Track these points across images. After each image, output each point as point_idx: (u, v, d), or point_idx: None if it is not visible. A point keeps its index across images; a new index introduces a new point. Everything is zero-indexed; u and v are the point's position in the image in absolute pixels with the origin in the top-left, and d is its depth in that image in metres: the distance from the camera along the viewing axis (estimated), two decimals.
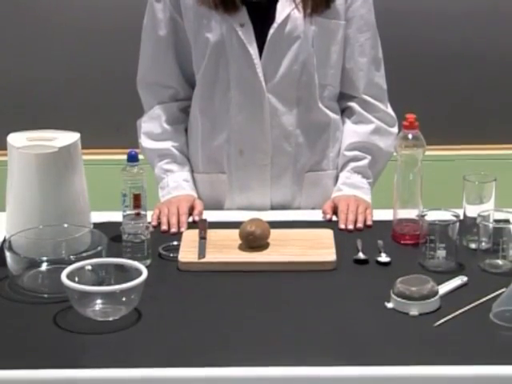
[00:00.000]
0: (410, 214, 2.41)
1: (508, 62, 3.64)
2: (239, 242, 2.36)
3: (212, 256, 2.32)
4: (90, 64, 3.65)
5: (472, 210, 2.37)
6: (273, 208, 2.69)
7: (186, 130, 2.74)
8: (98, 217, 2.47)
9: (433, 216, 2.29)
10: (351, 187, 2.67)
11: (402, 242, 2.41)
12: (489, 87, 3.69)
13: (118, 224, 2.35)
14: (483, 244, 2.32)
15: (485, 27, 3.63)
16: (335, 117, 2.70)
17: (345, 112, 2.74)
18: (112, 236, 2.33)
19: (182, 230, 2.50)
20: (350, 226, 2.51)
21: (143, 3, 2.67)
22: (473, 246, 2.36)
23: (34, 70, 3.66)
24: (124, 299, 2.04)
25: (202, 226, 2.48)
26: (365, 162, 2.70)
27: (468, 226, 2.37)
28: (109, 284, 2.09)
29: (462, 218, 2.34)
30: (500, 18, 3.62)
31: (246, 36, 2.56)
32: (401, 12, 3.56)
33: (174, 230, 2.51)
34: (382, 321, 2.06)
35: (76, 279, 2.07)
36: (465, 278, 2.20)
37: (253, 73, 2.58)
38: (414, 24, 3.60)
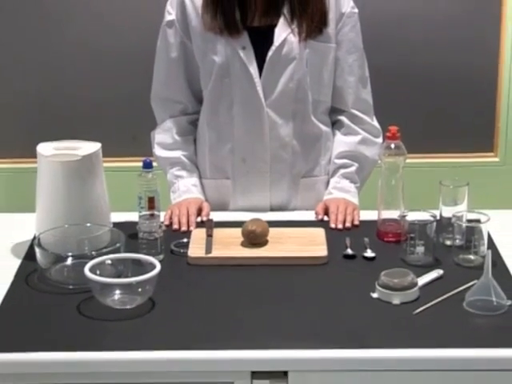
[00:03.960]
0: (393, 214, 2.40)
1: (475, 81, 3.65)
2: (242, 239, 2.36)
3: (218, 252, 2.32)
4: (110, 83, 3.65)
5: (447, 211, 2.37)
6: (271, 209, 2.69)
7: (195, 141, 2.74)
8: (117, 217, 2.46)
9: (413, 216, 2.29)
10: (341, 191, 2.67)
11: (386, 239, 2.41)
12: (461, 104, 3.69)
13: (134, 223, 2.35)
14: (457, 241, 2.31)
15: (458, 49, 3.63)
16: (326, 129, 2.70)
17: (335, 124, 2.73)
18: (129, 234, 2.32)
19: (191, 228, 2.50)
20: (340, 226, 2.51)
21: (156, 28, 2.67)
22: (448, 242, 2.36)
23: (61, 88, 3.66)
24: (140, 290, 2.04)
25: (208, 225, 2.48)
26: (353, 169, 2.69)
27: (444, 225, 2.36)
28: (126, 276, 2.09)
29: (438, 218, 2.33)
30: (472, 39, 3.62)
31: (248, 57, 2.56)
32: (386, 37, 3.56)
33: (184, 228, 2.50)
34: (367, 309, 2.06)
35: (97, 272, 2.07)
36: (441, 272, 2.20)
37: (253, 90, 2.58)
38: (398, 49, 3.60)
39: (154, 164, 2.41)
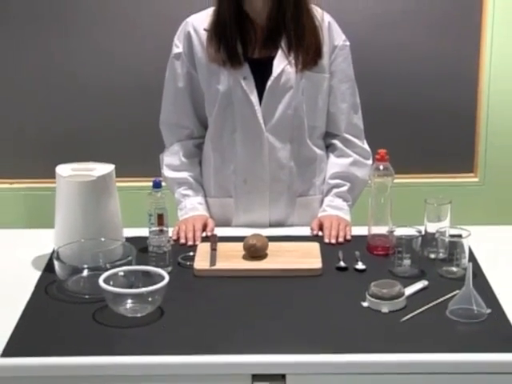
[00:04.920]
0: (382, 230, 2.40)
1: (456, 110, 3.66)
2: (243, 252, 2.36)
3: (221, 264, 2.32)
4: (122, 111, 3.65)
5: (432, 227, 2.36)
6: (271, 225, 2.68)
7: (200, 163, 2.74)
8: (129, 232, 2.46)
9: (400, 232, 2.28)
10: (334, 209, 2.67)
11: (375, 252, 2.40)
12: (444, 130, 3.69)
13: (144, 238, 2.35)
14: (441, 254, 2.31)
15: (440, 81, 3.64)
16: (321, 152, 2.71)
17: (329, 147, 2.73)
18: (140, 248, 2.32)
19: (197, 243, 2.49)
20: (333, 240, 2.51)
21: (165, 61, 2.68)
22: (432, 256, 2.36)
23: (79, 116, 3.66)
24: (150, 299, 2.04)
25: (213, 239, 2.48)
26: (345, 188, 2.69)
27: (428, 239, 2.36)
28: (137, 287, 2.09)
29: (423, 233, 2.33)
30: (452, 71, 3.63)
31: (249, 87, 2.57)
32: (376, 68, 3.57)
33: (190, 243, 2.50)
34: (359, 317, 2.05)
35: (111, 283, 2.07)
36: (426, 282, 2.20)
37: (254, 116, 2.58)
38: (387, 79, 3.61)
39: (163, 184, 2.42)
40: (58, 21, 3.56)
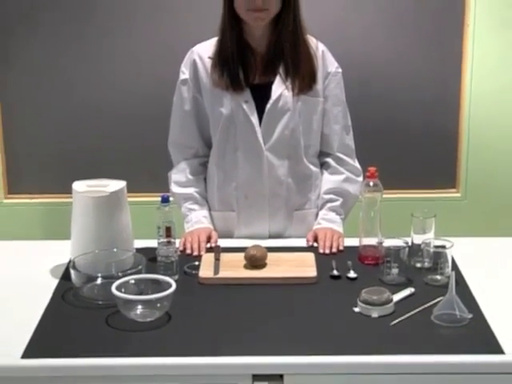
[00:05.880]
0: (372, 241, 2.39)
1: (440, 132, 3.67)
2: (244, 262, 2.36)
3: (224, 273, 2.31)
4: (134, 133, 3.66)
5: (418, 239, 2.36)
6: (270, 237, 2.68)
7: (205, 179, 2.74)
8: (139, 243, 2.45)
9: (388, 243, 2.28)
10: (328, 221, 2.66)
11: (366, 262, 2.40)
12: (429, 149, 3.70)
13: (153, 249, 2.34)
14: (426, 264, 2.32)
15: (426, 109, 3.66)
16: (316, 170, 2.71)
17: (323, 165, 2.73)
18: (149, 258, 2.31)
19: (202, 253, 2.49)
20: (327, 251, 2.50)
21: (172, 86, 2.68)
22: (418, 265, 2.35)
23: (94, 137, 3.67)
24: (158, 305, 2.04)
25: (216, 250, 2.47)
26: (338, 203, 2.69)
27: (415, 250, 2.35)
28: (147, 294, 2.08)
29: (410, 244, 2.33)
30: (436, 99, 3.64)
31: (250, 110, 2.57)
32: (367, 93, 3.58)
33: (195, 253, 2.49)
34: (351, 321, 2.05)
35: (122, 290, 2.07)
36: (412, 289, 2.19)
37: (254, 137, 2.58)
38: (377, 103, 3.62)
39: (171, 199, 2.42)
40: (76, 49, 3.58)
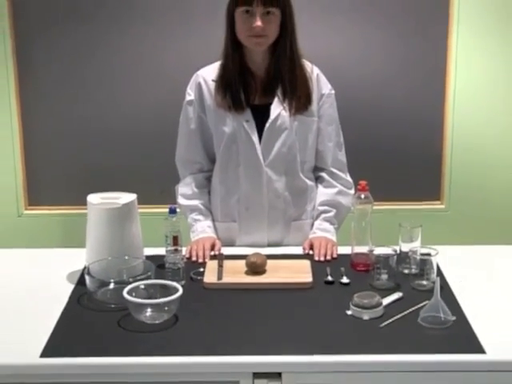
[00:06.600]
0: (363, 249, 2.39)
1: (425, 149, 3.68)
2: (246, 268, 2.36)
3: (227, 278, 2.31)
4: (144, 150, 3.68)
5: (405, 247, 2.36)
6: (269, 245, 2.67)
7: (209, 192, 2.74)
8: (149, 251, 2.45)
9: (378, 251, 2.28)
10: (322, 231, 2.66)
11: (358, 269, 2.40)
12: (416, 164, 3.71)
13: (162, 256, 2.34)
14: (413, 270, 2.31)
15: (412, 123, 3.67)
16: (311, 183, 2.71)
17: (318, 179, 2.73)
18: (158, 265, 2.32)
19: (206, 260, 2.49)
20: (322, 258, 2.50)
21: (178, 107, 2.69)
22: (406, 271, 2.35)
23: (107, 153, 3.68)
24: (166, 308, 2.04)
25: (220, 257, 2.47)
26: (332, 214, 2.69)
27: (403, 257, 2.35)
28: (155, 298, 2.08)
29: (398, 252, 2.33)
30: (421, 117, 3.65)
31: (250, 128, 2.57)
32: (357, 114, 3.59)
33: (200, 260, 2.50)
34: (343, 323, 2.05)
35: (133, 294, 2.06)
36: (401, 294, 2.19)
37: (255, 154, 2.59)
38: (366, 122, 3.63)
39: (178, 210, 2.42)
40: (94, 70, 3.59)
